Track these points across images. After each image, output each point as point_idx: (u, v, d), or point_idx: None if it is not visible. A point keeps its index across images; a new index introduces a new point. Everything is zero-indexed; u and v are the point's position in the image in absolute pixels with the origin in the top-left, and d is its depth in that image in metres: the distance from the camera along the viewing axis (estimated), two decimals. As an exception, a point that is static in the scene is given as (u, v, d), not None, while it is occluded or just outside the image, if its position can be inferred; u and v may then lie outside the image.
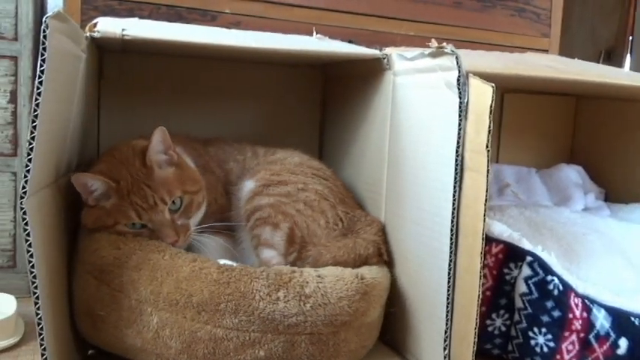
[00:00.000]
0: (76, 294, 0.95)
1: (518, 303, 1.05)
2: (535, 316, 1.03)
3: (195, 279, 0.90)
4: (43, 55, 0.75)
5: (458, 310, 0.95)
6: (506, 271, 1.07)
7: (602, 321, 1.01)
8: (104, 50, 1.26)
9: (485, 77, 0.90)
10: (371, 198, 1.20)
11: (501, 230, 1.09)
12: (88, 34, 0.98)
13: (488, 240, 1.05)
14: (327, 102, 1.49)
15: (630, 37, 2.95)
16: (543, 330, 1.03)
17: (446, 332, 0.96)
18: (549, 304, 1.03)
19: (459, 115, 0.91)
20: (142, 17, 1.41)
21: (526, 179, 1.67)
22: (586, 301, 1.02)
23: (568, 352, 1.01)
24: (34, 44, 1.24)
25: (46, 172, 0.86)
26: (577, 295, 1.03)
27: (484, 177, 0.88)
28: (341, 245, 1.04)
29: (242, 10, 1.52)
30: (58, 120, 0.87)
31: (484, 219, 0.89)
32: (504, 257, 1.07)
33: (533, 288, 1.04)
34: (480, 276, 0.90)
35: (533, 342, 1.04)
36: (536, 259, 1.05)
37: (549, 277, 1.03)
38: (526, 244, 1.07)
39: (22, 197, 0.75)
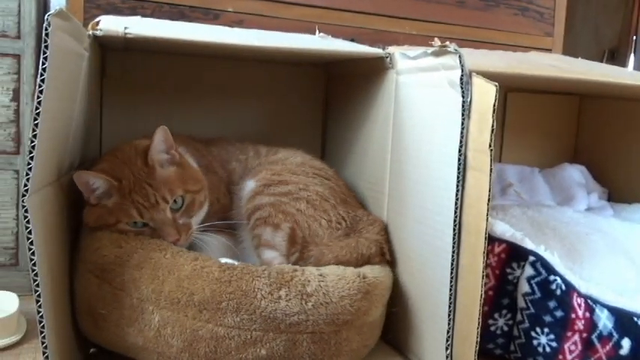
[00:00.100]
0: (78, 292, 0.95)
1: (521, 303, 1.05)
2: (537, 316, 1.03)
3: (197, 277, 0.90)
4: (45, 53, 0.74)
5: (460, 309, 0.94)
6: (508, 270, 1.07)
7: (604, 321, 1.01)
8: (107, 48, 1.26)
9: (489, 76, 0.90)
10: (373, 197, 1.20)
11: (504, 230, 1.08)
12: (90, 33, 0.98)
13: (491, 239, 1.05)
14: (329, 101, 1.49)
15: (634, 37, 2.94)
16: (546, 330, 1.03)
17: (448, 332, 0.95)
18: (552, 304, 1.03)
19: (462, 114, 0.91)
20: (144, 15, 1.41)
21: (529, 179, 1.66)
22: (589, 301, 1.02)
23: (570, 352, 1.01)
24: (37, 42, 1.24)
25: (48, 170, 0.86)
26: (580, 295, 1.02)
27: (487, 176, 0.88)
28: (343, 245, 1.04)
29: (245, 8, 1.52)
30: (60, 118, 0.87)
31: (487, 218, 0.89)
32: (507, 257, 1.07)
33: (535, 288, 1.04)
34: (483, 275, 0.90)
35: (535, 342, 1.03)
36: (539, 258, 1.05)
37: (552, 277, 1.03)
38: (529, 244, 1.07)
39: (23, 195, 0.75)
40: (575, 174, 1.66)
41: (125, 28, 0.97)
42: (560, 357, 1.01)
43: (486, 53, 1.40)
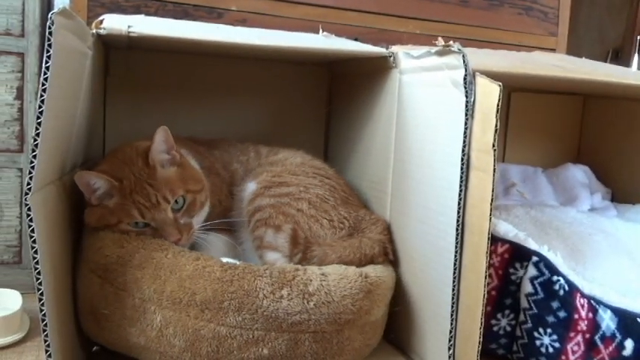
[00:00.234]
0: (80, 292, 0.95)
1: (524, 303, 1.05)
2: (540, 317, 1.03)
3: (199, 277, 0.90)
4: (48, 51, 0.74)
5: (463, 309, 0.94)
6: (511, 270, 1.07)
7: (608, 322, 1.00)
8: (110, 47, 1.26)
9: (492, 76, 0.89)
10: (376, 196, 1.20)
11: (507, 230, 1.08)
12: (94, 31, 0.98)
13: (494, 239, 1.05)
14: (333, 100, 1.49)
15: (638, 37, 2.93)
16: (549, 330, 1.02)
17: (451, 332, 0.95)
18: (555, 304, 1.02)
19: (466, 114, 0.91)
20: (148, 14, 1.41)
21: (532, 179, 1.66)
22: (592, 301, 1.02)
23: (573, 352, 1.01)
24: (41, 41, 1.24)
25: (51, 168, 0.86)
26: (583, 295, 1.02)
27: (490, 176, 0.88)
28: (347, 245, 1.04)
29: (248, 7, 1.52)
30: (63, 116, 0.87)
31: (490, 218, 0.88)
32: (510, 257, 1.07)
33: (538, 288, 1.04)
34: (486, 276, 0.90)
35: (538, 342, 1.03)
36: (542, 259, 1.05)
37: (555, 278, 1.03)
38: (532, 244, 1.06)
39: (26, 193, 0.75)
40: (578, 174, 1.65)
41: (129, 26, 0.97)
42: (563, 357, 1.01)
43: (490, 53, 1.40)
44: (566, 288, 1.02)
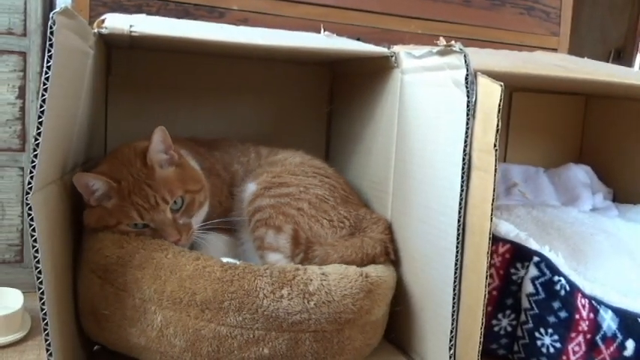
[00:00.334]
0: (81, 293, 0.95)
1: (525, 303, 1.05)
2: (541, 317, 1.03)
3: (199, 277, 0.90)
4: (49, 51, 0.75)
5: (464, 309, 0.94)
6: (512, 271, 1.07)
7: (609, 322, 1.00)
8: (112, 46, 1.26)
9: (494, 76, 0.89)
10: (377, 196, 1.20)
11: (508, 230, 1.08)
12: (95, 31, 0.98)
13: (495, 239, 1.05)
14: (334, 99, 1.49)
15: (641, 37, 2.93)
16: (550, 330, 1.02)
17: (451, 332, 0.95)
18: (556, 304, 1.02)
19: (467, 114, 0.91)
20: (149, 13, 1.41)
21: (534, 179, 1.66)
22: (593, 302, 1.02)
23: (574, 353, 1.01)
24: (43, 40, 1.24)
25: (53, 167, 0.86)
26: (584, 295, 1.02)
27: (492, 176, 0.88)
28: (348, 245, 1.04)
29: (250, 6, 1.52)
30: (64, 116, 0.87)
31: (491, 218, 0.88)
32: (511, 257, 1.07)
33: (539, 288, 1.04)
34: (487, 276, 0.90)
35: (539, 342, 1.03)
36: (543, 259, 1.04)
37: (556, 278, 1.03)
38: (533, 244, 1.06)
39: (27, 193, 0.75)
40: (580, 174, 1.65)
41: (130, 26, 0.97)
42: (564, 358, 1.01)
43: (492, 53, 1.40)
44: (568, 288, 1.02)
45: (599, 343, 1.00)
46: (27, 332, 1.10)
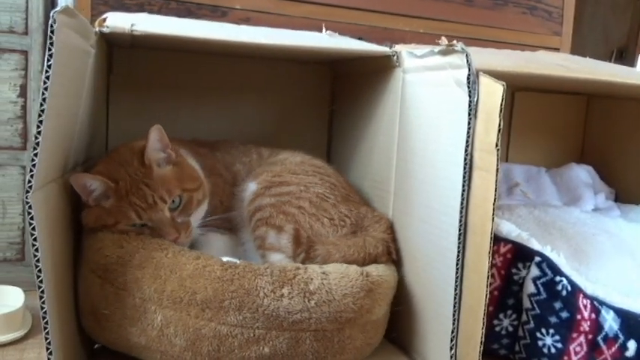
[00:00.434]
0: (81, 293, 0.95)
1: (526, 303, 1.04)
2: (543, 317, 1.03)
3: (199, 276, 0.90)
4: (50, 49, 0.74)
5: (465, 309, 0.94)
6: (514, 271, 1.06)
7: (610, 322, 1.00)
8: (114, 45, 1.26)
9: (496, 75, 0.89)
10: (379, 196, 1.19)
11: (510, 230, 1.08)
12: (97, 29, 0.98)
13: (497, 239, 1.05)
14: (336, 99, 1.49)
15: (643, 37, 2.92)
16: (551, 331, 1.02)
17: (453, 332, 0.95)
18: (557, 304, 1.02)
19: (469, 114, 0.91)
20: (151, 12, 1.41)
21: (536, 179, 1.65)
22: (595, 302, 1.02)
23: (576, 353, 1.01)
24: (44, 39, 1.24)
25: (53, 166, 0.86)
26: (586, 296, 1.02)
27: (493, 176, 0.88)
28: (351, 244, 1.04)
29: (252, 6, 1.52)
30: (65, 115, 0.87)
31: (493, 218, 0.88)
32: (513, 257, 1.07)
33: (541, 288, 1.03)
34: (488, 276, 0.89)
35: (540, 343, 1.03)
36: (545, 259, 1.04)
37: (558, 278, 1.03)
38: (535, 244, 1.06)
39: (27, 191, 0.75)
40: (582, 174, 1.65)
41: (132, 25, 0.97)
42: (566, 358, 1.01)
43: (494, 52, 1.40)
44: (569, 288, 1.02)
45: (601, 343, 1.00)
46: (28, 330, 1.10)
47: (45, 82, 0.75)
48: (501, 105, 0.86)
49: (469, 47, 0.93)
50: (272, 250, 1.04)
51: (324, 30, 1.33)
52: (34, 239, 0.77)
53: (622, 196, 1.62)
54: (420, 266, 1.05)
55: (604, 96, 1.72)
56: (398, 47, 1.13)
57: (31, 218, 0.76)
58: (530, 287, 1.04)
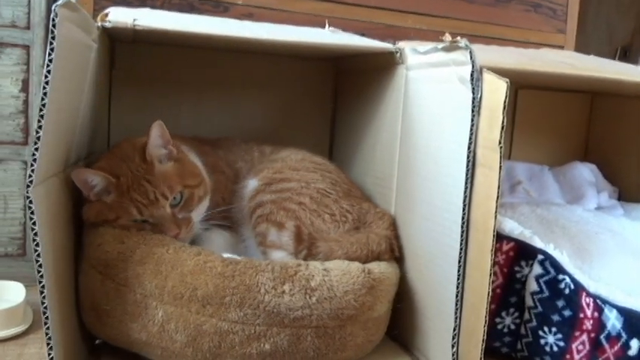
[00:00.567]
0: (82, 289, 0.95)
1: (529, 301, 1.04)
2: (545, 315, 1.02)
3: (200, 272, 0.89)
4: (51, 44, 0.74)
5: (467, 307, 0.94)
6: (516, 269, 1.06)
7: (613, 321, 1.00)
8: (116, 40, 1.25)
9: (500, 72, 0.89)
10: (381, 193, 1.19)
11: (512, 228, 1.08)
12: (99, 24, 0.97)
13: (499, 237, 1.04)
14: (338, 95, 1.49)
15: (647, 35, 2.92)
16: (553, 329, 1.02)
17: (454, 329, 0.95)
18: (560, 303, 1.02)
19: (472, 111, 0.90)
20: (154, 7, 1.41)
21: (538, 177, 1.65)
22: (597, 300, 1.01)
23: (578, 352, 1.00)
24: (46, 33, 1.23)
25: (54, 161, 0.86)
26: (588, 294, 1.01)
27: (496, 174, 0.87)
28: (353, 240, 1.04)
29: (254, 1, 1.52)
30: (66, 109, 0.87)
31: (495, 216, 0.88)
32: (515, 255, 1.06)
33: (544, 286, 1.03)
34: (490, 273, 0.89)
35: (542, 341, 1.03)
36: (548, 257, 1.04)
37: (560, 276, 1.02)
38: (537, 242, 1.06)
39: (28, 186, 0.75)
40: (585, 172, 1.64)
41: (134, 19, 0.96)
42: (568, 357, 1.01)
43: (497, 49, 1.39)
44: (572, 287, 1.01)
45: (604, 342, 1.00)
46: (29, 326, 1.10)
47: (46, 77, 0.74)
48: (505, 102, 0.86)
49: (473, 44, 0.92)
50: (273, 248, 1.04)
51: (326, 26, 1.32)
52: (35, 234, 0.76)
53: (625, 195, 1.62)
54: (422, 263, 1.05)
55: (608, 94, 1.71)
56: (401, 44, 1.13)
57: (32, 213, 0.76)
58: (532, 285, 1.04)
